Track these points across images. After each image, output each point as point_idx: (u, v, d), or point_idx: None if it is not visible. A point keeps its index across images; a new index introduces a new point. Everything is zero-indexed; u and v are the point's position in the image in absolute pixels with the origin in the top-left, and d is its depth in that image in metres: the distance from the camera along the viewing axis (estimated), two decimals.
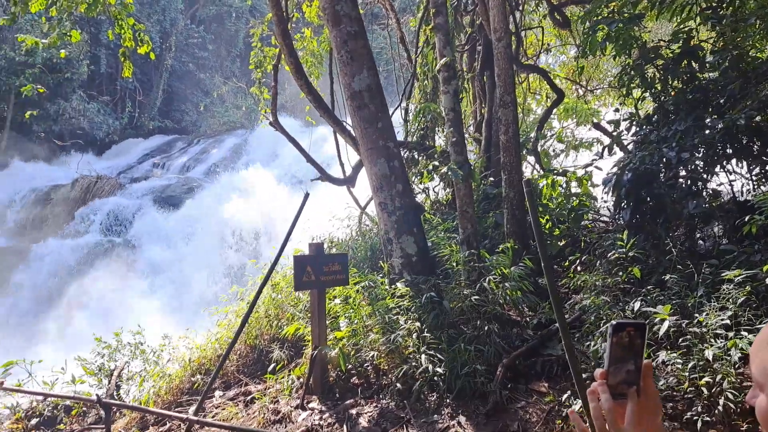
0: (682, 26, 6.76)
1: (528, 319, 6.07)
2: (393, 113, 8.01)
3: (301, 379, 6.02)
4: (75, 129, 27.90)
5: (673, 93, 6.97)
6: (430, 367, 5.07)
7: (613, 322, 1.25)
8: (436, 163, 7.80)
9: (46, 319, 15.90)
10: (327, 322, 6.10)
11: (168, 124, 33.45)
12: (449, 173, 6.38)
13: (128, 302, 16.11)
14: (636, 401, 1.25)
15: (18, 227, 20.16)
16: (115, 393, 7.70)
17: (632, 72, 7.14)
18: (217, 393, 6.91)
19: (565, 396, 4.77)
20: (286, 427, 5.43)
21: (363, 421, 5.13)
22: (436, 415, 4.92)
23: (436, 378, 5.09)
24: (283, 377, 6.28)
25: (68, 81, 26.57)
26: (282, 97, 9.99)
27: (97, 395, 5.73)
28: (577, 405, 4.48)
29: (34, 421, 7.93)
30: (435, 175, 8.20)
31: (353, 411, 5.32)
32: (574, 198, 8.33)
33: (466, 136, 10.49)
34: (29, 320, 15.74)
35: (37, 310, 16.10)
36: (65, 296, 16.57)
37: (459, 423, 4.74)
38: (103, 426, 7.25)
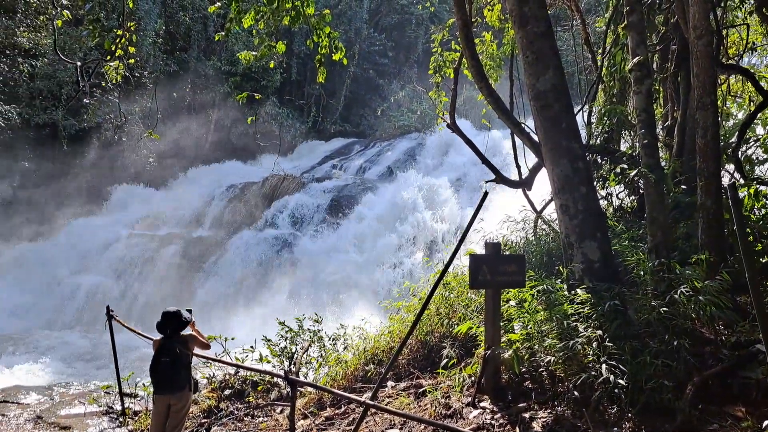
0: None
1: (724, 337, 5.55)
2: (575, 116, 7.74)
3: (473, 378, 6.05)
4: (267, 132, 30.60)
5: None
6: (612, 377, 4.84)
7: None
8: (624, 166, 7.40)
9: (238, 301, 17.59)
10: (500, 323, 6.07)
11: (347, 128, 35.36)
12: (639, 177, 6.03)
13: (301, 293, 17.31)
14: None
15: (216, 219, 22.48)
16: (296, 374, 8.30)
17: None
18: (389, 383, 7.17)
19: (766, 423, 4.31)
20: (457, 422, 5.50)
21: (536, 426, 5.04)
22: (616, 428, 4.69)
23: (617, 390, 4.85)
24: (454, 374, 6.35)
25: (263, 88, 29.16)
26: (457, 101, 10.14)
27: (285, 371, 6.21)
28: None
29: (226, 392, 8.84)
30: (620, 181, 7.79)
31: (526, 415, 5.25)
32: None
33: None
34: (225, 302, 17.51)
35: (231, 292, 17.87)
36: (254, 282, 18.21)
37: None
38: (286, 402, 7.89)
